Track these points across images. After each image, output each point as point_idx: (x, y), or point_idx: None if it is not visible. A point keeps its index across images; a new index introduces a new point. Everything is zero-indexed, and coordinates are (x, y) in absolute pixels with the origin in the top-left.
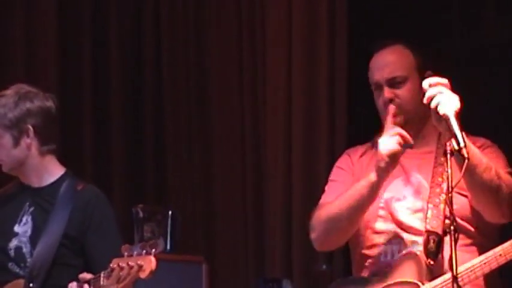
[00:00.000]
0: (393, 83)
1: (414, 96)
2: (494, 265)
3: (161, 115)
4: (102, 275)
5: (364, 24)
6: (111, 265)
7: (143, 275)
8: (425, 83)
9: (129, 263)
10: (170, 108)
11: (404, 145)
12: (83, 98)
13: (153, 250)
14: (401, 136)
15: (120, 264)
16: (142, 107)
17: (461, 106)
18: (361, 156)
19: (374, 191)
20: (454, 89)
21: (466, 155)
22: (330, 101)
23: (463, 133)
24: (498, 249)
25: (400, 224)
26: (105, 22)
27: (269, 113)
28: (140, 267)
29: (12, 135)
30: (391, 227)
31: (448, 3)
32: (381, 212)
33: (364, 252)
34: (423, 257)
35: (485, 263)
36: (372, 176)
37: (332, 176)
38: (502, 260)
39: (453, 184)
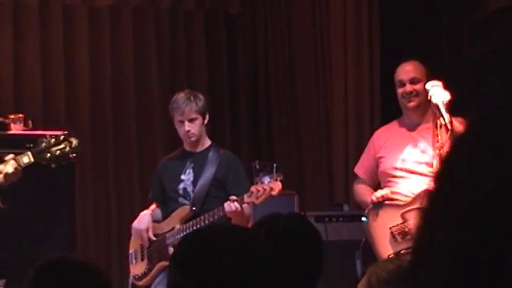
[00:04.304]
0: (413, 81)
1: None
2: None
3: (270, 107)
4: (245, 195)
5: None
6: (251, 189)
7: (274, 192)
8: (428, 85)
9: (264, 187)
10: (274, 102)
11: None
12: (223, 96)
13: (279, 178)
14: (386, 197)
15: (257, 188)
16: (258, 102)
17: (452, 98)
18: (384, 132)
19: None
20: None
21: (449, 127)
22: (370, 91)
23: (449, 114)
24: None
25: (411, 172)
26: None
27: (335, 96)
28: (271, 188)
29: (202, 117)
30: (405, 173)
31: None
32: (398, 165)
33: (389, 188)
34: None
35: None
36: (369, 201)
37: (364, 152)
38: None
39: (439, 144)
